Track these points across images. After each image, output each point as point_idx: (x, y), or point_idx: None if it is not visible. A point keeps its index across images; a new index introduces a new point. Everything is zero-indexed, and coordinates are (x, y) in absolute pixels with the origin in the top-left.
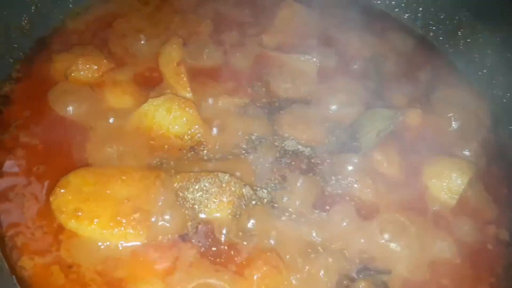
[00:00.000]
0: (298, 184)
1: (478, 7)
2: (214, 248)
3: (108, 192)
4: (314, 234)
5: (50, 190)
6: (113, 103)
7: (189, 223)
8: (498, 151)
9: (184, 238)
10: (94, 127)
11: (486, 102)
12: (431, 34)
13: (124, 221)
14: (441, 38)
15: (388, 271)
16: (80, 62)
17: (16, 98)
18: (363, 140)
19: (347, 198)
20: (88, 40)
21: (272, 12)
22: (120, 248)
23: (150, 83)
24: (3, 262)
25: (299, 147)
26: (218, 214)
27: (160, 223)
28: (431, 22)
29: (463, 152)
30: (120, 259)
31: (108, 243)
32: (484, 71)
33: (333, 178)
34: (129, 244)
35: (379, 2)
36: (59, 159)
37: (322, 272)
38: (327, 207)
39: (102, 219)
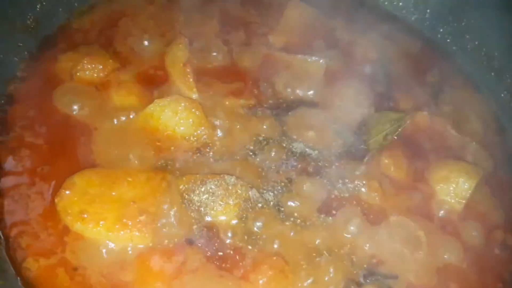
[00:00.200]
0: (305, 187)
1: (486, 10)
2: (220, 253)
3: (114, 194)
4: (320, 238)
5: (55, 191)
6: (119, 103)
7: (195, 226)
8: (505, 155)
9: (190, 241)
10: (99, 127)
11: (493, 105)
12: (439, 36)
13: (130, 223)
14: (448, 40)
15: (395, 276)
16: (85, 62)
17: (20, 98)
18: (371, 143)
19: (354, 202)
20: (93, 39)
21: (279, 13)
22: (126, 251)
23: (155, 83)
24: (8, 263)
25: (307, 149)
26: (224, 217)
27: (166, 226)
28: (438, 24)
29: (470, 156)
30: (126, 262)
31: (114, 245)
32: (492, 74)
33: (340, 181)
34: (135, 246)
35: (386, 3)
36: (64, 160)
37: (328, 276)
38: (334, 211)
39: (108, 221)
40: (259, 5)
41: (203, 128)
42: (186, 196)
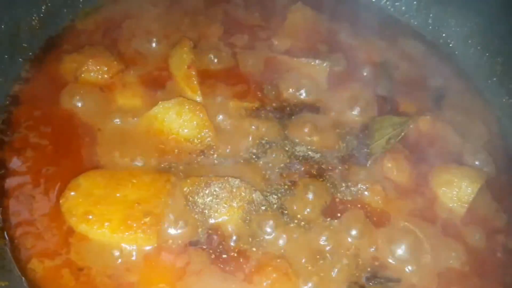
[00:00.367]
0: (308, 191)
1: (488, 14)
2: (224, 255)
3: (119, 195)
4: (324, 241)
5: (60, 192)
6: (123, 105)
7: (199, 228)
8: (508, 160)
9: (194, 243)
10: (103, 128)
11: (496, 110)
12: (441, 40)
13: (134, 225)
14: (451, 45)
15: (397, 279)
16: (90, 63)
17: (25, 98)
18: (373, 146)
19: (358, 205)
20: (98, 40)
21: (283, 16)
22: (131, 252)
23: (160, 85)
24: (13, 264)
25: (310, 152)
26: (228, 219)
27: (170, 228)
28: (441, 28)
29: (473, 160)
30: (131, 263)
31: (118, 246)
32: (494, 79)
33: (343, 184)
34: (140, 248)
35: (389, 7)
36: (69, 161)
37: (331, 279)
38: (337, 214)
39: (113, 223)
40: (263, 8)
41: (207, 130)
42: (190, 198)
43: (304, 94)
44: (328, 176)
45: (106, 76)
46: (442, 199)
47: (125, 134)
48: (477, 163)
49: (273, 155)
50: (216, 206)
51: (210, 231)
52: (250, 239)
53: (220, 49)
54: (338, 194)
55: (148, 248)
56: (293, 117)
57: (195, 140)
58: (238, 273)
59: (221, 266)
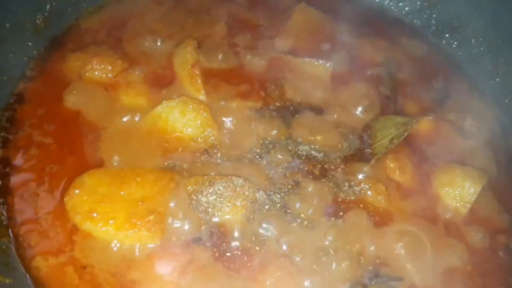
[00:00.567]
0: (311, 190)
1: (491, 15)
2: (228, 253)
3: (123, 193)
4: (326, 240)
5: (64, 190)
6: (127, 104)
7: (203, 227)
8: (510, 160)
9: (198, 241)
10: (107, 127)
11: (498, 111)
12: (444, 41)
13: (139, 223)
14: (454, 45)
15: (399, 278)
16: (94, 62)
17: (29, 97)
18: (376, 146)
19: (361, 205)
20: (102, 39)
21: (286, 16)
22: (135, 250)
23: (164, 84)
24: (18, 261)
25: (313, 152)
26: (231, 218)
27: (174, 226)
28: (444, 29)
29: (475, 160)
30: (134, 261)
31: (122, 244)
32: (497, 79)
33: (346, 184)
34: (144, 246)
35: (392, 8)
36: (73, 159)
37: (334, 278)
38: (340, 213)
39: (117, 221)
40: (267, 8)
41: (210, 129)
42: (194, 197)
43: (307, 94)
44: (331, 176)
45: (110, 75)
46: (444, 199)
47: (129, 132)
48: (479, 163)
49: (277, 155)
50: (219, 204)
51: (214, 230)
52: (253, 237)
53: (224, 48)
54: (341, 194)
55: (152, 246)
56: (296, 116)
57: (199, 139)
58: (241, 271)
59: (225, 264)
